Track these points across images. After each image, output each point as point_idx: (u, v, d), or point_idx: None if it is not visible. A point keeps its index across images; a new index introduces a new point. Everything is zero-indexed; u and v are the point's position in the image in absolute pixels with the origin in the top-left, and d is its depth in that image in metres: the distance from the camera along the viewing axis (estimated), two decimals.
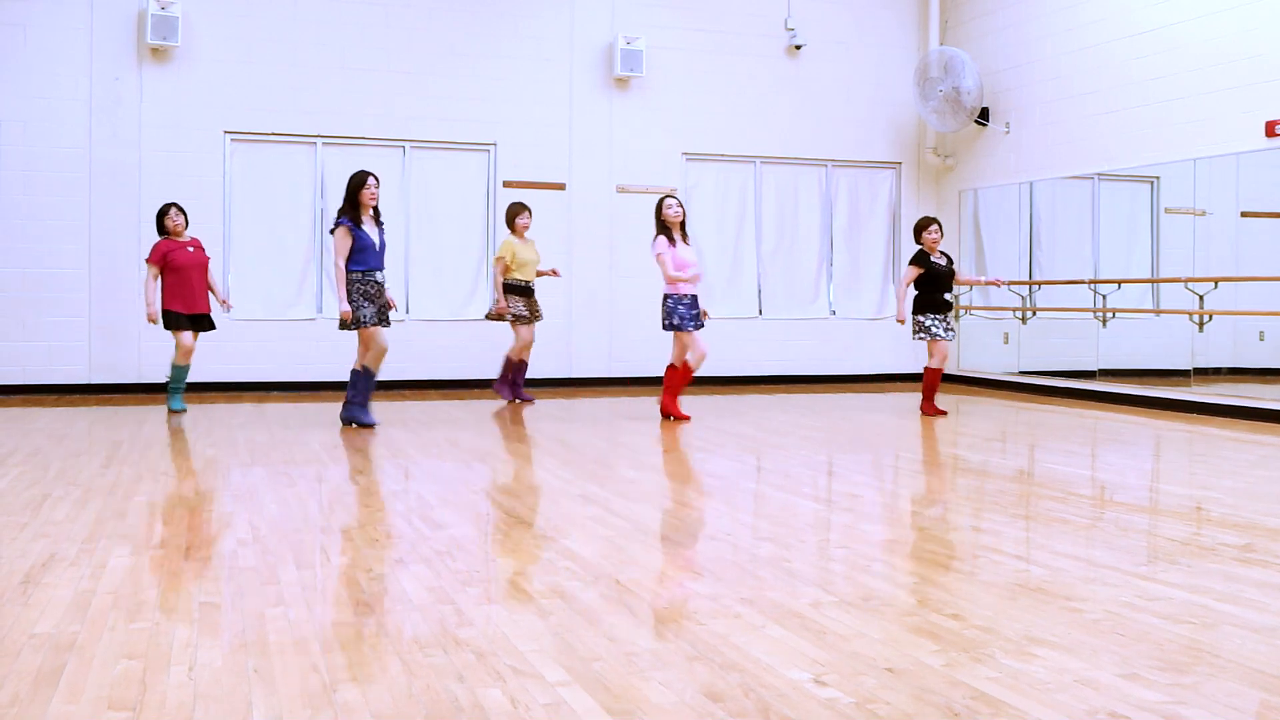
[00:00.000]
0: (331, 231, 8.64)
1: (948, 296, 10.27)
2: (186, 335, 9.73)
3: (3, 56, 11.27)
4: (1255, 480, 6.90)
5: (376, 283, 8.64)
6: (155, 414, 9.75)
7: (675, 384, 9.53)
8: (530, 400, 11.02)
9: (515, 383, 10.98)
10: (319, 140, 12.20)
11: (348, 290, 8.55)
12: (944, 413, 10.28)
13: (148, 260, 9.79)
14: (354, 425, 8.82)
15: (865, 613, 3.84)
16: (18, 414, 9.70)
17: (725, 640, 3.50)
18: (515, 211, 10.91)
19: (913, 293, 10.38)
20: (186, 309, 9.71)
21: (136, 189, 11.57)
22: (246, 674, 3.15)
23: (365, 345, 8.73)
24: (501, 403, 10.94)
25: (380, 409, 10.30)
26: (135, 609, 3.80)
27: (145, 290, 9.77)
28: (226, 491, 6.17)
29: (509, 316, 10.71)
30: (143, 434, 8.46)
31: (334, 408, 10.28)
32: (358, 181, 8.61)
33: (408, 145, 12.49)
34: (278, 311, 11.74)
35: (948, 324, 10.25)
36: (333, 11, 12.18)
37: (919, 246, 10.29)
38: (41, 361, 11.37)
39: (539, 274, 10.99)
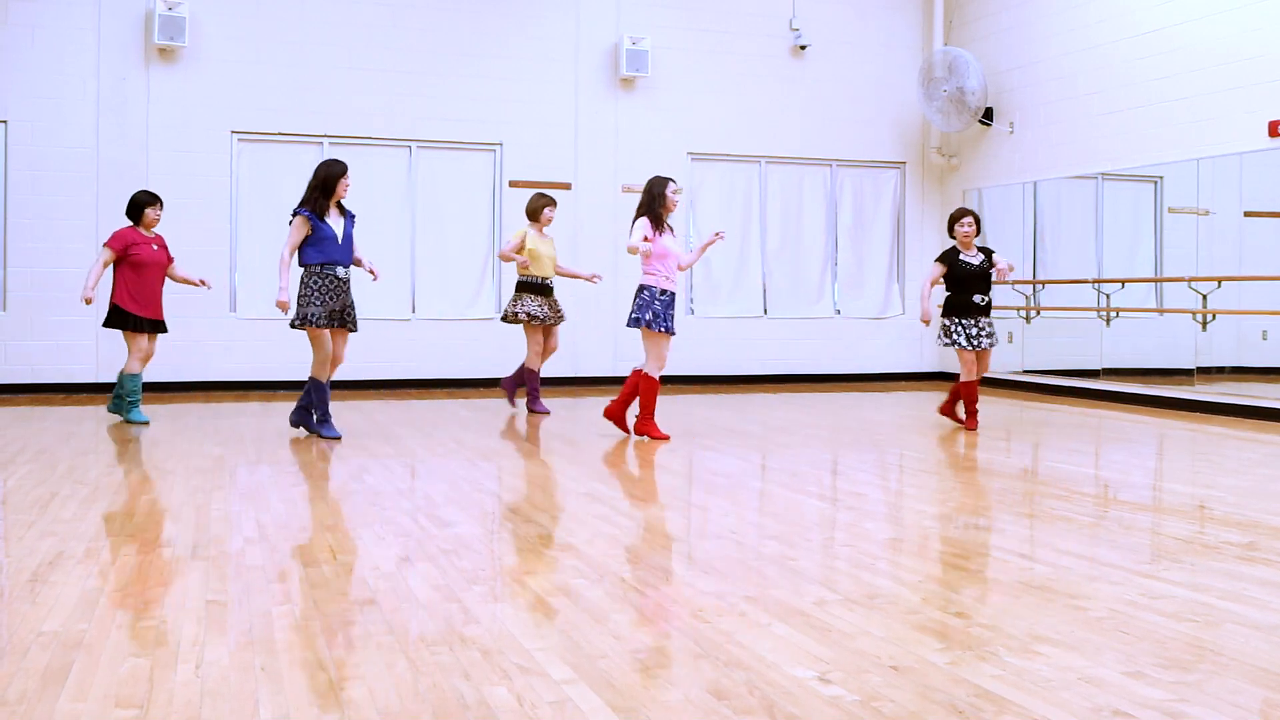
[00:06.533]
0: (290, 221, 8.02)
1: (977, 299, 9.02)
2: (144, 340, 8.99)
3: (11, 57, 11.31)
4: (1258, 479, 6.90)
5: (336, 278, 7.97)
6: (161, 413, 9.76)
7: (652, 399, 8.33)
8: (546, 412, 10.04)
9: (533, 392, 10.08)
10: (326, 140, 12.23)
11: (301, 284, 7.94)
12: (962, 422, 9.26)
13: (106, 244, 8.96)
14: (305, 431, 8.38)
15: (870, 611, 3.85)
16: (25, 413, 9.73)
17: (730, 638, 3.51)
18: (544, 203, 10.02)
19: (942, 293, 9.31)
20: (144, 312, 8.95)
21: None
22: (253, 672, 3.17)
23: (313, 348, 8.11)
24: (512, 409, 10.29)
25: (385, 407, 10.33)
26: (142, 607, 3.82)
27: (92, 270, 8.96)
28: (233, 490, 6.19)
29: (523, 318, 9.86)
30: (150, 433, 8.48)
31: (340, 406, 10.30)
32: (337, 172, 8.00)
33: (414, 145, 12.51)
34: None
35: (980, 329, 9.03)
36: (339, 12, 12.21)
37: (951, 242, 9.22)
38: (49, 360, 11.41)
39: (574, 276, 10.39)
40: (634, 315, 8.19)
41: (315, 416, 8.28)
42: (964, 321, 9.03)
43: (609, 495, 6.30)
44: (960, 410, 9.35)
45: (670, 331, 8.18)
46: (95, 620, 3.65)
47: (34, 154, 11.37)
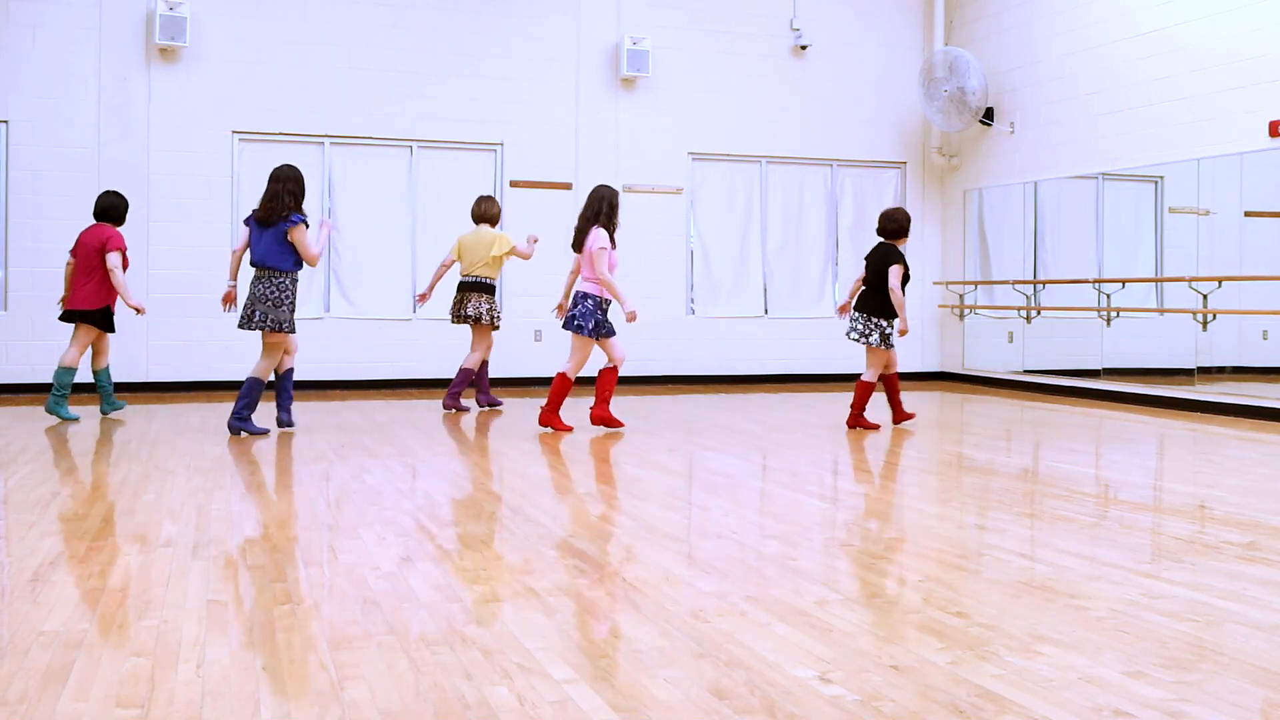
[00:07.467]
0: (294, 224, 8.04)
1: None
2: (104, 340, 9.34)
3: (12, 57, 11.31)
4: (1259, 478, 6.90)
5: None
6: (163, 412, 9.77)
7: (609, 390, 8.66)
8: (468, 409, 10.12)
9: (457, 392, 9.96)
10: (327, 140, 12.23)
11: (285, 291, 8.11)
12: (877, 427, 9.09)
13: (116, 247, 8.95)
14: (289, 427, 8.61)
15: (870, 610, 3.86)
16: (27, 413, 9.73)
17: (731, 638, 3.51)
18: (499, 207, 10.28)
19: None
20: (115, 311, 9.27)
21: (145, 189, 11.60)
22: (254, 672, 3.17)
23: (287, 348, 8.47)
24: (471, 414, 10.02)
25: (385, 407, 10.34)
26: (143, 607, 3.82)
27: (122, 282, 8.95)
28: (233, 490, 6.19)
29: (494, 319, 10.05)
30: (150, 432, 8.49)
31: (339, 406, 10.31)
32: (303, 177, 8.34)
33: (415, 145, 12.51)
34: None
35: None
36: (340, 12, 12.21)
37: (894, 243, 9.02)
38: (50, 360, 11.36)
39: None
40: (576, 322, 8.41)
41: (244, 414, 8.25)
42: (892, 322, 9.00)
43: (609, 495, 6.31)
44: (869, 416, 9.25)
45: (611, 334, 8.47)
46: (96, 620, 3.65)
47: (35, 154, 11.37)
